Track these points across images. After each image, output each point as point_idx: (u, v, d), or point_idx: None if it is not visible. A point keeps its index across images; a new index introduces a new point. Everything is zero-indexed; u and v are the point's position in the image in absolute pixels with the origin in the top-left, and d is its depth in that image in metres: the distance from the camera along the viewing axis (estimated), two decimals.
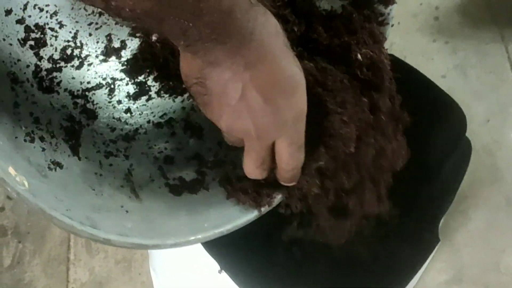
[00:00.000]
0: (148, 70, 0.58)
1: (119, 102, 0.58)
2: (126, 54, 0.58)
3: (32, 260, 0.91)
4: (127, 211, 0.46)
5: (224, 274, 0.64)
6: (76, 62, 0.56)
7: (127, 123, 0.57)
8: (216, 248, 0.64)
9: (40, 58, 0.53)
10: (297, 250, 0.69)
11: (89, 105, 0.55)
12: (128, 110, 0.57)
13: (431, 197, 0.70)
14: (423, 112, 0.72)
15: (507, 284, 0.87)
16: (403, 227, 0.69)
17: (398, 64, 0.71)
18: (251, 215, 0.50)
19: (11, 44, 0.51)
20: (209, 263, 0.65)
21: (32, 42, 0.52)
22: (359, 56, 0.51)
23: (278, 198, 0.51)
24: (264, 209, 0.51)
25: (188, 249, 0.67)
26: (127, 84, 0.58)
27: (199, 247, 0.65)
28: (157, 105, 0.59)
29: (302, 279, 0.66)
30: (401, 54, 1.05)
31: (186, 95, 0.59)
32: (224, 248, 0.64)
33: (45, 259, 0.92)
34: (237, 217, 0.50)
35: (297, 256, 0.69)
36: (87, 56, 0.56)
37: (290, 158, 0.44)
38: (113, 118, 0.56)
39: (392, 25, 0.58)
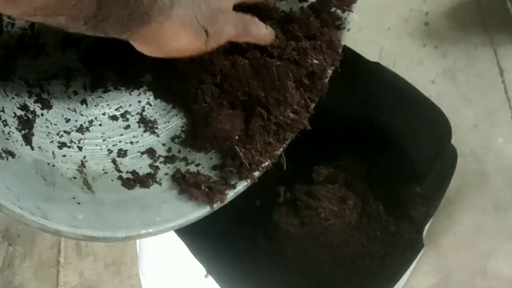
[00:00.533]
0: (105, 62, 0.58)
1: (75, 93, 0.57)
2: (84, 45, 0.58)
3: (22, 263, 0.92)
4: (78, 203, 0.46)
5: (210, 279, 0.64)
6: (32, 51, 0.55)
7: (82, 114, 0.56)
8: (202, 252, 0.65)
9: None
10: (283, 257, 0.69)
11: (44, 95, 0.55)
12: (84, 101, 0.57)
13: (416, 203, 0.70)
14: (409, 120, 0.73)
15: None
16: (388, 231, 0.70)
17: (383, 73, 0.72)
18: (203, 211, 0.51)
19: None
20: (196, 267, 0.66)
21: None
22: (314, 61, 0.52)
23: (230, 194, 0.52)
24: (216, 205, 0.51)
25: (175, 253, 0.68)
26: (84, 75, 0.58)
27: (185, 251, 0.66)
28: (113, 97, 0.59)
29: (287, 285, 0.66)
30: (391, 59, 1.05)
31: (142, 89, 0.59)
32: (210, 252, 0.64)
33: (36, 262, 0.92)
34: (189, 212, 0.51)
35: (283, 263, 0.70)
36: (44, 45, 0.56)
37: None
38: (68, 108, 0.56)
39: (349, 30, 0.60)
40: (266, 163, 0.54)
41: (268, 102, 0.53)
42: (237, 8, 0.49)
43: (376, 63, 0.71)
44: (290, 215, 0.71)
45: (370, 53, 1.05)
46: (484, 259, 0.90)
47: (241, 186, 0.53)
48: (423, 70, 1.05)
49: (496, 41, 1.06)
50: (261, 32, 0.52)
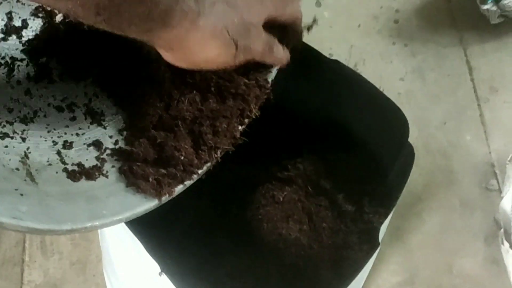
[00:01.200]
0: (50, 52, 0.57)
1: (19, 82, 0.56)
2: (27, 34, 0.57)
3: None
4: (21, 194, 0.45)
5: (164, 277, 0.64)
6: None
7: (25, 105, 0.55)
8: (157, 249, 0.64)
9: None
10: (242, 254, 0.69)
11: None
12: (27, 92, 0.56)
13: (374, 204, 0.70)
14: (369, 118, 0.73)
15: (459, 287, 0.87)
16: (343, 232, 0.70)
17: (343, 71, 0.72)
18: (151, 204, 0.50)
19: None
20: (151, 265, 0.65)
21: None
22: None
23: (179, 188, 0.51)
24: (165, 198, 0.51)
25: (132, 250, 0.67)
26: (27, 65, 0.57)
27: (141, 248, 0.65)
28: (59, 88, 0.57)
29: (244, 285, 0.66)
30: (360, 56, 1.05)
31: (89, 80, 0.58)
32: (164, 250, 0.64)
33: (0, 261, 0.91)
34: (137, 205, 0.50)
35: (243, 261, 0.69)
36: None
37: None
38: (11, 99, 0.55)
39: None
40: (208, 164, 0.53)
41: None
42: (265, 25, 0.48)
43: (336, 61, 0.70)
44: (249, 216, 0.71)
45: (340, 51, 1.05)
46: (451, 257, 0.90)
47: (189, 181, 0.53)
48: (392, 68, 1.05)
49: (466, 39, 1.06)
50: (280, 54, 0.51)
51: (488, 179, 0.95)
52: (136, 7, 0.38)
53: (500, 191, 0.93)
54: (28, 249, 0.92)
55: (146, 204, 0.50)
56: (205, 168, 0.53)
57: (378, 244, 0.65)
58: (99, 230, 0.80)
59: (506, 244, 0.83)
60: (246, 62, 0.48)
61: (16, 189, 0.45)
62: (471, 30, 1.07)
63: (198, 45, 0.43)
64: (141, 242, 0.64)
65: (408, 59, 1.05)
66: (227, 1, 0.44)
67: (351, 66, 1.04)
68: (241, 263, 0.68)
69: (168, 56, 0.45)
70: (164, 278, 0.63)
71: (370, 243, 0.67)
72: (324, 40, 1.06)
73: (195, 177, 0.53)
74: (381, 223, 0.66)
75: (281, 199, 0.73)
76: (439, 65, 1.05)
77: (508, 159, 0.89)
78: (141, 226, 0.64)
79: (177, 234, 0.68)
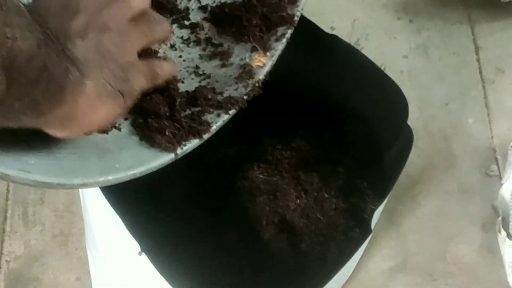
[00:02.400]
0: None
1: None
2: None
3: None
4: (30, 147, 0.42)
5: (144, 256, 0.61)
6: None
7: None
8: (137, 228, 0.61)
9: None
10: (224, 236, 0.66)
11: None
12: None
13: (368, 188, 0.67)
14: (368, 95, 0.69)
15: (452, 274, 0.85)
16: (335, 215, 0.67)
17: (342, 46, 0.68)
18: (166, 158, 0.48)
19: None
20: (132, 243, 0.62)
21: None
22: None
23: (195, 142, 0.49)
24: (181, 152, 0.48)
25: (113, 227, 0.65)
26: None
27: (122, 226, 0.62)
28: None
29: (226, 269, 0.63)
30: (363, 31, 1.01)
31: None
32: (145, 229, 0.61)
33: None
34: (151, 159, 0.48)
35: (230, 244, 0.66)
36: None
37: None
38: None
39: None
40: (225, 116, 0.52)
41: None
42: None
43: (334, 36, 0.66)
44: (235, 197, 0.67)
45: (342, 24, 1.01)
46: (445, 244, 0.87)
47: (206, 134, 0.50)
48: (396, 44, 1.00)
49: (474, 17, 1.02)
50: (166, 68, 0.48)
51: (489, 164, 0.91)
52: (32, 89, 0.34)
53: (500, 177, 0.90)
54: (10, 219, 0.89)
55: (161, 158, 0.48)
56: (220, 121, 0.51)
57: (371, 231, 0.62)
58: (81, 203, 0.77)
59: (503, 233, 0.80)
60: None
61: (24, 141, 0.42)
62: (480, 7, 1.02)
63: (87, 110, 0.40)
64: (122, 219, 0.61)
65: (413, 35, 1.01)
66: (98, 49, 0.40)
67: (353, 41, 1.00)
68: (222, 244, 0.65)
69: (59, 133, 0.41)
70: (144, 257, 0.61)
71: (361, 229, 0.64)
72: (326, 13, 1.02)
73: (213, 129, 0.51)
74: (374, 209, 0.63)
75: (271, 178, 0.69)
76: (445, 42, 1.00)
77: (510, 144, 0.86)
78: (122, 203, 0.61)
79: (159, 213, 0.65)
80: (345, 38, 0.99)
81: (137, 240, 0.61)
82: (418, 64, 0.99)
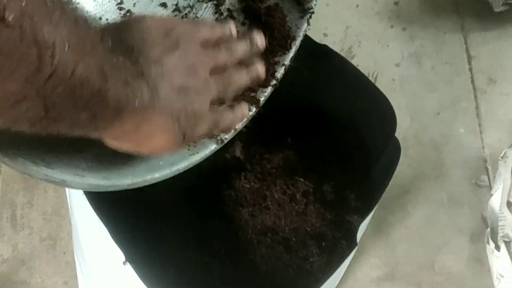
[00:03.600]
0: None
1: None
2: None
3: None
4: (77, 150, 0.43)
5: (128, 266, 0.61)
6: None
7: None
8: (122, 237, 0.61)
9: None
10: (217, 246, 0.65)
11: None
12: None
13: (354, 200, 0.67)
14: (358, 105, 0.69)
15: (441, 284, 0.85)
16: (321, 229, 0.67)
17: (332, 56, 0.67)
18: (206, 151, 0.49)
19: None
20: (116, 252, 0.62)
21: None
22: None
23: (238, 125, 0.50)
24: (224, 138, 0.49)
25: (99, 235, 0.64)
26: None
27: (107, 234, 0.62)
28: None
29: (211, 279, 0.63)
30: (356, 38, 1.01)
31: None
32: (130, 238, 0.60)
33: None
34: (193, 153, 0.49)
35: (215, 254, 0.66)
36: None
37: None
38: None
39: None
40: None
41: None
42: None
43: (325, 46, 0.66)
44: (226, 207, 0.67)
45: (335, 31, 1.01)
46: (434, 254, 0.87)
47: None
48: (388, 52, 1.00)
49: (467, 27, 1.02)
50: (227, 120, 0.49)
51: (479, 175, 0.91)
52: (77, 114, 0.34)
53: (490, 187, 0.90)
54: None
55: (203, 151, 0.49)
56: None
57: (356, 244, 0.62)
58: (69, 207, 0.77)
59: (492, 244, 0.80)
60: None
61: (70, 144, 0.43)
62: (473, 16, 1.02)
63: (146, 136, 0.41)
64: (107, 228, 0.61)
65: (406, 43, 1.01)
66: (181, 89, 0.41)
67: (346, 48, 0.99)
68: (207, 254, 0.65)
69: (113, 144, 0.41)
70: (128, 267, 0.60)
71: (347, 241, 0.64)
72: (319, 19, 1.01)
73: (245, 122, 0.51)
74: (361, 221, 0.63)
75: (258, 188, 0.69)
76: (438, 51, 1.00)
77: (501, 155, 0.86)
78: (108, 211, 0.61)
79: (144, 222, 0.64)
80: (337, 45, 1.00)
81: (121, 250, 0.61)
82: (410, 73, 0.98)
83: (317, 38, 0.69)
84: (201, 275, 0.63)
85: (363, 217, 0.64)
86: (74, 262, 0.85)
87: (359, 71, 0.66)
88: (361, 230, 0.64)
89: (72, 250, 0.87)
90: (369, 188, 0.67)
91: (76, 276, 0.85)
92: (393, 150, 0.63)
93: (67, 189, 0.72)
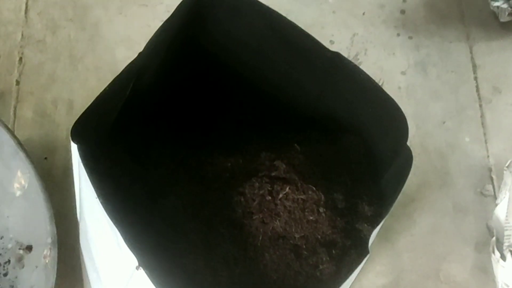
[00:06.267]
0: None
1: None
2: None
3: None
4: None
5: (141, 271, 0.60)
6: None
7: None
8: (133, 239, 0.60)
9: None
10: (227, 251, 0.65)
11: None
12: None
13: (366, 207, 0.67)
14: (369, 113, 0.69)
15: None
16: (332, 238, 0.67)
17: (344, 63, 0.68)
18: None
19: None
20: (129, 257, 0.62)
21: None
22: None
23: None
24: None
25: (111, 239, 0.64)
26: None
27: (120, 239, 0.62)
28: None
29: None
30: (362, 46, 1.01)
31: None
32: (142, 241, 0.60)
33: None
34: None
35: (225, 259, 0.66)
36: None
37: None
38: None
39: None
40: None
41: None
42: None
43: (337, 53, 0.66)
44: (236, 213, 0.67)
45: (341, 39, 1.01)
46: (439, 262, 0.87)
47: None
48: (394, 60, 1.01)
49: (473, 36, 1.02)
50: None
51: (484, 184, 0.92)
52: None
53: (495, 197, 0.90)
54: None
55: None
56: None
57: (368, 252, 0.62)
58: (78, 215, 0.76)
59: (497, 254, 0.81)
60: None
61: None
62: (479, 26, 1.03)
63: None
64: (119, 231, 0.60)
65: (412, 52, 1.01)
66: None
67: (352, 55, 1.00)
68: (217, 260, 0.65)
69: None
70: (141, 272, 0.60)
71: (358, 249, 0.64)
72: (326, 26, 1.02)
73: None
74: (372, 229, 0.63)
75: (268, 193, 0.69)
76: (443, 60, 1.01)
77: (506, 164, 0.86)
78: (120, 214, 0.61)
79: (156, 226, 0.64)
80: (344, 52, 1.00)
81: (134, 254, 0.60)
82: (416, 81, 0.99)
83: (324, 45, 0.69)
84: (210, 281, 0.63)
85: (374, 226, 0.64)
86: (80, 266, 0.85)
87: (371, 78, 0.66)
88: (371, 238, 0.64)
89: (77, 255, 0.86)
90: (380, 197, 0.67)
91: (82, 279, 0.84)
92: (404, 159, 0.63)
93: (77, 193, 0.71)
